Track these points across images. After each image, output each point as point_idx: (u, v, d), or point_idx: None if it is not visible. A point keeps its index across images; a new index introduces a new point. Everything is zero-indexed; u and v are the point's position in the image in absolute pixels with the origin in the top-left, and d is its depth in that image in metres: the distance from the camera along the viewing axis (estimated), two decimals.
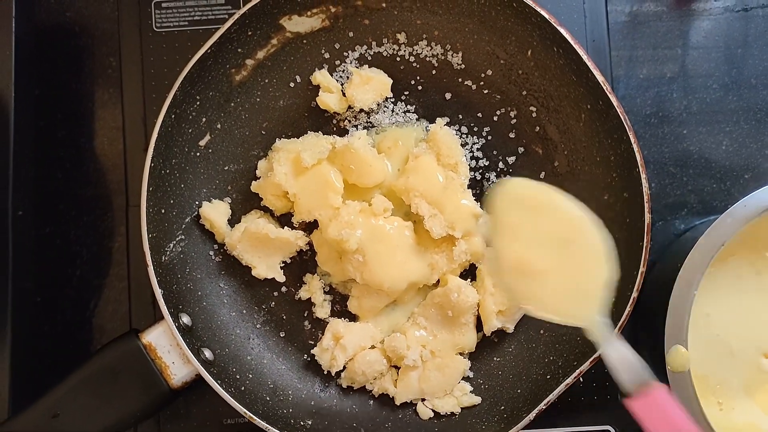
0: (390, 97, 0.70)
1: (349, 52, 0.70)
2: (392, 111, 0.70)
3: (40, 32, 0.74)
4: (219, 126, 0.69)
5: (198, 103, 0.66)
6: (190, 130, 0.67)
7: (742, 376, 0.63)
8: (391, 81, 0.69)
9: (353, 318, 0.69)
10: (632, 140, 0.62)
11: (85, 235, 0.73)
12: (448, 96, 0.70)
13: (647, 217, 0.61)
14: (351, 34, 0.69)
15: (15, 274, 0.68)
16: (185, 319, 0.64)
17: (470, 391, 0.67)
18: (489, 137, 0.70)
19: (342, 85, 0.70)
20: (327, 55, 0.70)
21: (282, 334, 0.69)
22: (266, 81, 0.69)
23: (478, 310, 0.67)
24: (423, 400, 0.67)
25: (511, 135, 0.69)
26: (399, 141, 0.69)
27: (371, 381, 0.67)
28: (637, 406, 0.44)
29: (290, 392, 0.67)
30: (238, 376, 0.65)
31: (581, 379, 0.61)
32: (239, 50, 0.67)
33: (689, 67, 0.73)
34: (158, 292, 0.62)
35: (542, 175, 0.69)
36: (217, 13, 0.72)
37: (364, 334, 0.67)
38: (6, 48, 0.68)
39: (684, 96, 0.73)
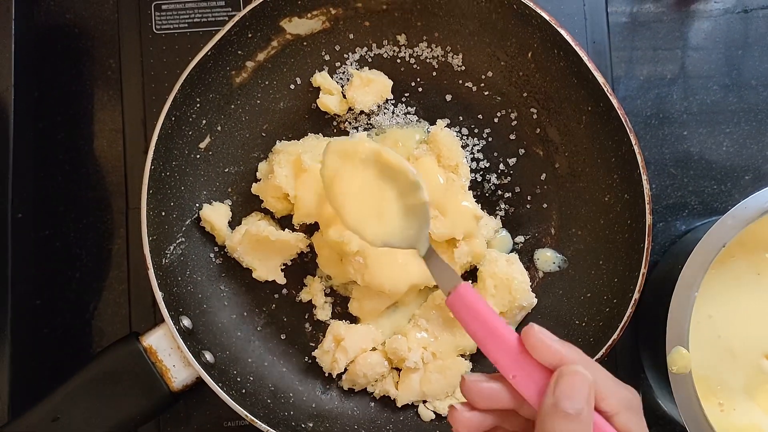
0: (390, 99, 0.70)
1: (350, 53, 0.70)
2: (393, 113, 0.70)
3: (40, 34, 0.74)
4: (219, 128, 0.68)
5: (198, 105, 0.66)
6: (190, 133, 0.67)
7: (743, 377, 0.63)
8: (392, 83, 0.69)
9: (354, 320, 0.69)
10: (633, 142, 0.62)
11: (85, 237, 0.73)
12: (448, 98, 0.70)
13: (648, 218, 0.61)
14: (351, 35, 0.69)
15: (14, 277, 0.68)
16: (186, 322, 0.64)
17: None
18: (490, 139, 0.70)
19: (342, 86, 0.70)
20: (327, 57, 0.70)
21: (283, 337, 0.69)
22: (266, 83, 0.69)
23: None
24: (424, 402, 0.67)
25: (512, 137, 0.69)
26: (399, 142, 0.69)
27: (372, 383, 0.67)
28: (449, 302, 0.49)
29: (291, 395, 0.67)
30: (239, 379, 0.65)
31: None
32: (239, 52, 0.67)
33: (689, 69, 0.73)
34: (159, 295, 0.61)
35: (543, 176, 0.69)
36: (217, 15, 0.72)
37: (365, 336, 0.67)
38: (5, 50, 0.68)
39: (684, 97, 0.73)
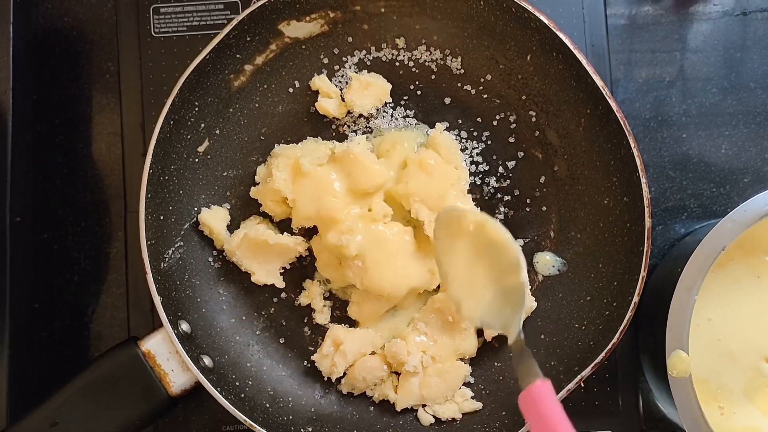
0: (389, 102, 0.70)
1: (348, 57, 0.70)
2: (391, 116, 0.70)
3: (38, 37, 0.74)
4: (218, 131, 0.68)
5: (197, 108, 0.66)
6: (188, 136, 0.67)
7: (742, 380, 0.63)
8: (391, 86, 0.69)
9: (353, 324, 0.69)
10: (632, 144, 0.62)
11: (83, 240, 0.73)
12: (447, 101, 0.70)
13: (647, 221, 0.61)
14: (350, 39, 0.69)
15: (13, 281, 0.68)
16: (184, 326, 0.64)
17: (471, 397, 0.67)
18: (489, 142, 0.70)
19: (341, 90, 0.69)
20: (326, 60, 0.70)
21: (282, 341, 0.69)
22: (265, 86, 0.69)
23: None
24: (424, 406, 0.67)
25: (511, 139, 0.69)
26: (398, 145, 0.69)
27: (372, 387, 0.67)
28: (521, 397, 0.47)
29: (290, 399, 0.67)
30: (237, 383, 0.65)
31: (582, 384, 0.61)
32: (238, 56, 0.66)
33: (688, 71, 0.73)
34: (157, 300, 0.61)
35: (542, 179, 0.69)
36: (216, 18, 0.72)
37: (365, 340, 0.66)
38: (4, 53, 0.68)
39: (683, 100, 0.73)
